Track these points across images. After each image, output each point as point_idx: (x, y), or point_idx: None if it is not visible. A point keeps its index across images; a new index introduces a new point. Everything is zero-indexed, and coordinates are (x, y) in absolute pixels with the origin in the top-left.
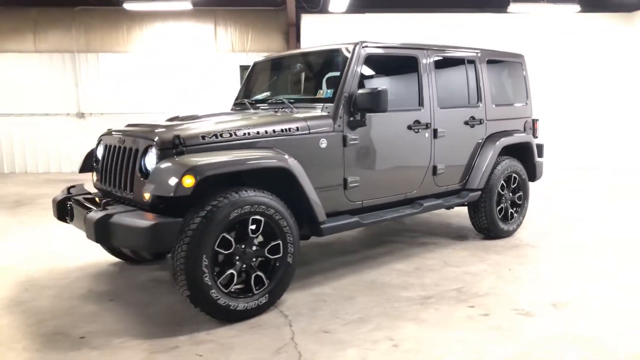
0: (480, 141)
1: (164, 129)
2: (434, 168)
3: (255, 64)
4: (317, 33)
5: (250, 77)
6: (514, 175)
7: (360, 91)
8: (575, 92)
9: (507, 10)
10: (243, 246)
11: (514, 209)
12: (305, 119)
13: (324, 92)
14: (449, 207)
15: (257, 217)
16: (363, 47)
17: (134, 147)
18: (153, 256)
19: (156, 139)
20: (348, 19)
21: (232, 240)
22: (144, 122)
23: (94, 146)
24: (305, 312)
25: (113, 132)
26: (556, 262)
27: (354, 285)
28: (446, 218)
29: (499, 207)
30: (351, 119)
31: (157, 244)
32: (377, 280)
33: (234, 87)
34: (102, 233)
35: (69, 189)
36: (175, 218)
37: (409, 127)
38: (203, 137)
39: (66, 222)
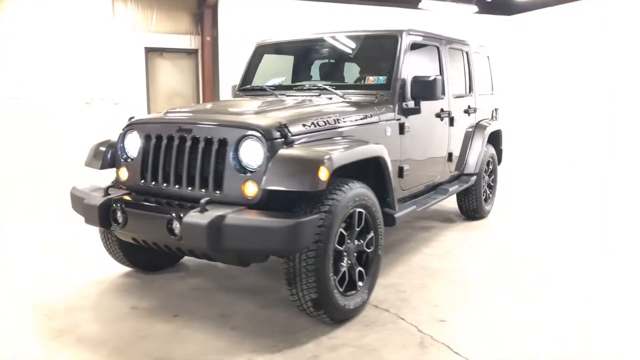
0: (471, 129)
1: (260, 117)
2: (450, 155)
3: (258, 47)
4: (238, 17)
5: (255, 61)
6: (489, 159)
7: (415, 78)
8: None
9: (418, 7)
10: (349, 241)
11: (490, 190)
12: (375, 107)
13: (375, 78)
14: (457, 192)
15: (360, 209)
16: (409, 34)
17: (215, 137)
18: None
19: (262, 128)
20: (272, 4)
21: (345, 235)
22: (189, 107)
23: (117, 137)
24: (398, 304)
25: (162, 120)
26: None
27: (413, 272)
28: None
29: (482, 190)
30: (404, 106)
31: (296, 244)
32: (426, 265)
33: (139, 71)
34: (215, 237)
35: (107, 190)
36: (306, 215)
37: (437, 115)
38: (304, 126)
39: (109, 228)
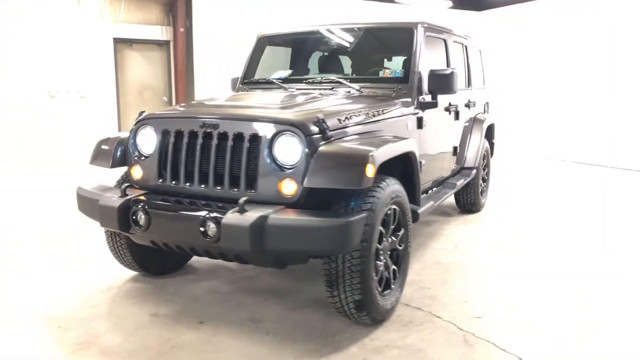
0: (468, 123)
1: (292, 111)
2: (455, 149)
3: (260, 39)
4: (214, 8)
5: (257, 53)
6: (484, 153)
7: (432, 72)
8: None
9: (395, 1)
10: (384, 239)
11: (484, 184)
12: (396, 101)
13: (391, 71)
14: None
15: (394, 206)
16: (424, 27)
17: (247, 132)
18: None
19: (299, 123)
20: None
21: (384, 233)
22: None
23: (127, 135)
24: (428, 301)
25: (183, 114)
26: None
27: (430, 269)
28: None
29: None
30: (421, 100)
31: (347, 244)
32: (441, 261)
33: (108, 63)
34: (258, 239)
35: (124, 190)
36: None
37: (446, 109)
38: (339, 121)
39: (128, 231)
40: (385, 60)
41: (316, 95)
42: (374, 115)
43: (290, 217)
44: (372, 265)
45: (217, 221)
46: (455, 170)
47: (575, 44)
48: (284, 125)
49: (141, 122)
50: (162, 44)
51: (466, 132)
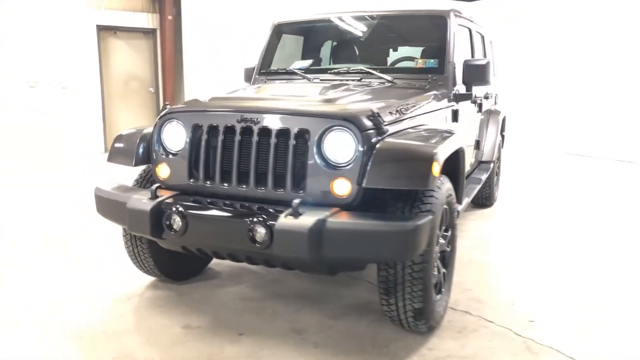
0: (484, 116)
1: (343, 104)
2: (477, 142)
3: (277, 27)
4: None
5: (274, 42)
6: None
7: (467, 62)
8: None
9: None
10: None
11: (496, 177)
12: (435, 92)
13: (424, 61)
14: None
15: (446, 205)
16: (456, 15)
17: (293, 128)
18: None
19: (353, 117)
20: None
21: (440, 236)
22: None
23: (150, 130)
24: (475, 305)
25: (216, 108)
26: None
27: (463, 268)
28: None
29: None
30: (455, 91)
31: (414, 250)
32: (470, 258)
33: (91, 51)
34: (317, 244)
35: (155, 191)
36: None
37: (472, 101)
38: (391, 114)
39: (161, 237)
40: (416, 49)
41: (351, 86)
42: (418, 108)
43: (351, 221)
44: (433, 271)
45: (268, 226)
46: (474, 164)
47: (564, 33)
48: (336, 120)
49: (167, 116)
50: (148, 32)
51: (483, 125)
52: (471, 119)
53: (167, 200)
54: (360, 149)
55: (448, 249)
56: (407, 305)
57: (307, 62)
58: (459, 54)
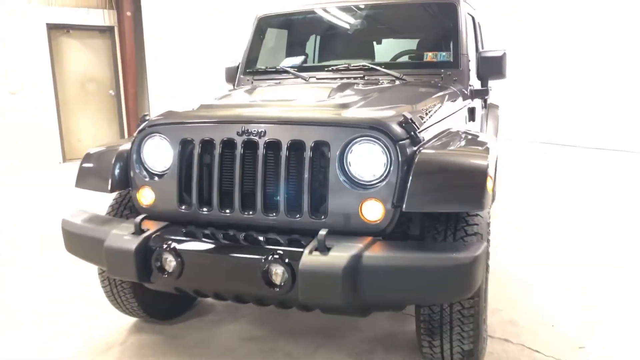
0: (484, 110)
1: (368, 110)
2: None
3: (261, 20)
4: None
5: (258, 38)
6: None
7: (482, 54)
8: None
9: None
10: None
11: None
12: (453, 89)
13: (435, 55)
14: None
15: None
16: (464, 1)
17: (308, 140)
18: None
19: (384, 125)
20: None
21: None
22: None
23: (128, 147)
24: (512, 329)
25: (209, 118)
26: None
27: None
28: None
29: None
30: (471, 87)
31: (473, 286)
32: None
33: (42, 53)
34: (352, 286)
35: (140, 224)
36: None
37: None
38: (422, 119)
39: (149, 281)
40: (423, 41)
41: (361, 86)
42: (443, 110)
43: (393, 254)
44: (486, 307)
45: (288, 264)
46: None
47: (560, 27)
48: (363, 129)
49: (148, 130)
50: (104, 30)
51: (483, 120)
52: (478, 116)
53: (155, 235)
54: (394, 163)
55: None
56: (455, 347)
57: (298, 59)
58: (471, 46)
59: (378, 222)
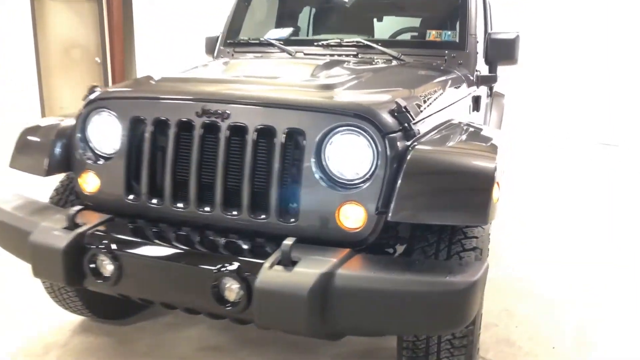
0: (488, 99)
1: (355, 92)
2: None
3: None
4: None
5: (242, 5)
6: None
7: (492, 36)
8: None
9: None
10: None
11: None
12: (457, 74)
13: (438, 33)
14: None
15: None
16: None
17: (280, 126)
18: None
19: (371, 111)
20: None
21: None
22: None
23: (72, 123)
24: (508, 350)
25: (165, 94)
26: None
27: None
28: None
29: None
30: (477, 73)
31: (469, 315)
32: None
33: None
34: (319, 312)
35: (73, 217)
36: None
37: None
38: (419, 108)
39: (82, 285)
40: (426, 19)
41: (352, 65)
42: (444, 97)
43: (372, 274)
44: (479, 334)
45: (243, 279)
46: None
47: (563, 19)
48: (346, 117)
49: (95, 104)
50: None
51: (487, 109)
52: (483, 105)
53: (91, 232)
54: (381, 159)
55: None
56: None
57: (286, 31)
58: (480, 27)
59: (358, 230)
